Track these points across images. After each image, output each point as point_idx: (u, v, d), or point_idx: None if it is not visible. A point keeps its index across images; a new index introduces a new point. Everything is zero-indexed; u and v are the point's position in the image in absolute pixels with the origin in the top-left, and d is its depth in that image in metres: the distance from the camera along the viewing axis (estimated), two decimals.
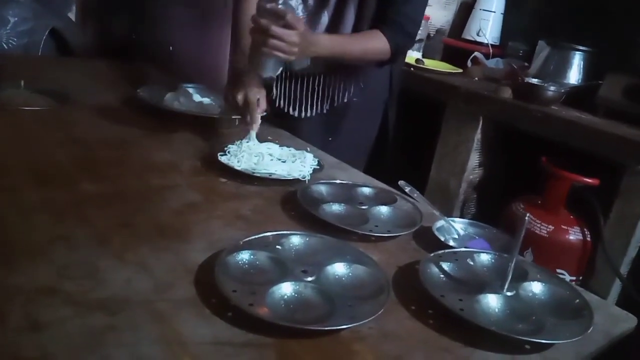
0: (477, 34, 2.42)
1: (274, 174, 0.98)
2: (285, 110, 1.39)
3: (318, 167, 1.06)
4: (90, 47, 2.51)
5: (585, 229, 1.73)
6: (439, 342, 0.62)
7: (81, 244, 0.69)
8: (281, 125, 1.34)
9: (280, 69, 1.07)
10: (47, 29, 2.33)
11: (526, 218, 0.68)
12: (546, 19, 2.30)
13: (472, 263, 0.77)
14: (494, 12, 2.41)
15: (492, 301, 0.68)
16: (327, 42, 1.17)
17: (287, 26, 0.99)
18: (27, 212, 0.75)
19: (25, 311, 0.54)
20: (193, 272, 0.66)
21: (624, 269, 1.65)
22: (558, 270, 1.73)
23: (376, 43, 1.19)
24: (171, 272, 0.66)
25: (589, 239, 1.72)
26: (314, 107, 1.35)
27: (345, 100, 1.34)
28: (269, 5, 0.98)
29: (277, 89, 1.37)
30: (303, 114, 1.36)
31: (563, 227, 1.74)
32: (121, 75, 1.65)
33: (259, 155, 1.02)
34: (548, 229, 1.76)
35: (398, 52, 1.23)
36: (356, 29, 1.24)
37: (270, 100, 1.26)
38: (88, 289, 0.60)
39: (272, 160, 1.03)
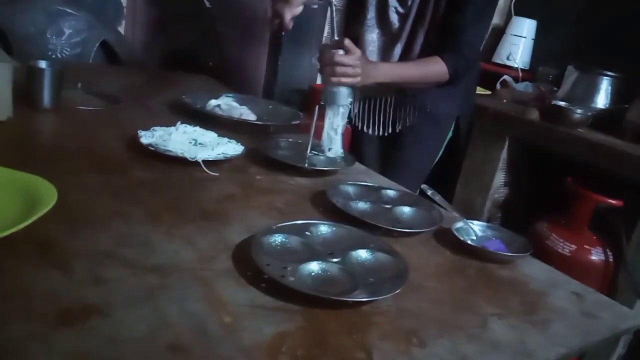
0: (507, 58, 2.48)
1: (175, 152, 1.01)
2: (360, 128, 1.53)
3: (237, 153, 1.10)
4: (136, 59, 2.66)
5: (607, 250, 1.74)
6: (455, 320, 0.67)
7: (136, 220, 0.77)
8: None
9: (351, 98, 1.16)
10: (99, 40, 2.48)
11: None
12: (575, 44, 2.35)
13: None
14: (525, 37, 2.46)
15: None
16: (387, 67, 1.28)
17: (347, 52, 1.11)
18: (87, 192, 0.84)
19: (89, 268, 0.63)
20: (231, 248, 0.74)
21: None
22: None
23: (434, 67, 1.27)
24: (213, 247, 0.74)
25: (611, 259, 1.74)
26: (386, 127, 1.48)
27: (414, 121, 1.45)
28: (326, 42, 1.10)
29: (352, 111, 1.49)
30: (377, 133, 1.50)
31: (586, 247, 1.76)
32: (166, 83, 1.77)
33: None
34: (571, 249, 1.78)
35: (457, 75, 1.29)
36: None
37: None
38: (142, 255, 0.68)
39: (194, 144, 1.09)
